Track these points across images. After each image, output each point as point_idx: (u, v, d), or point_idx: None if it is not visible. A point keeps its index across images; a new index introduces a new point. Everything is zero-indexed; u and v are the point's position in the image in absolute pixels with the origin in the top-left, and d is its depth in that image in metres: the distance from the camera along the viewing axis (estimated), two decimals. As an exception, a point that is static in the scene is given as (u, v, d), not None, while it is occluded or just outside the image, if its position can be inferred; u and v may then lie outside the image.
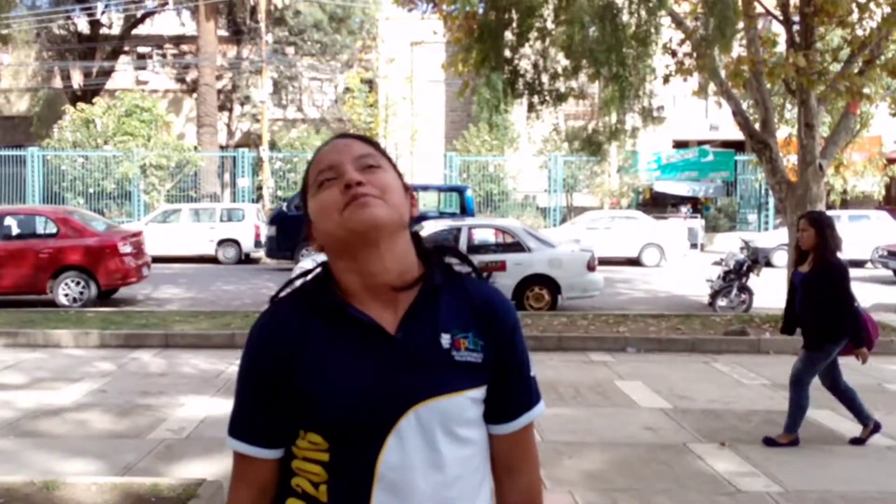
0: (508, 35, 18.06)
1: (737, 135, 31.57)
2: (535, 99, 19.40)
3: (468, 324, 2.47)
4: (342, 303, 2.41)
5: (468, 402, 2.42)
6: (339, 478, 2.36)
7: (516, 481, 2.60)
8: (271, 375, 2.40)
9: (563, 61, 18.95)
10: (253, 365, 2.45)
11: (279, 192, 44.81)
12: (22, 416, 11.39)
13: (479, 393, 2.45)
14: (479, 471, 2.50)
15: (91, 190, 42.77)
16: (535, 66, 19.12)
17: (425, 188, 36.59)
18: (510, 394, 2.54)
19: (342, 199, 2.36)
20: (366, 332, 2.39)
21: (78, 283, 21.42)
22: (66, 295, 21.41)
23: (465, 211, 32.37)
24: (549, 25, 18.26)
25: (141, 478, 8.40)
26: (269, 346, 2.42)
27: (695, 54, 18.56)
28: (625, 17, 16.79)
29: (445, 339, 2.42)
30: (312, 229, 2.49)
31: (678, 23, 18.69)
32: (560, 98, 19.75)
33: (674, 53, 19.93)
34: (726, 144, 48.55)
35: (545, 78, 19.24)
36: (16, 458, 9.59)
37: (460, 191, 34.70)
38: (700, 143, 50.06)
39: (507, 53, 18.32)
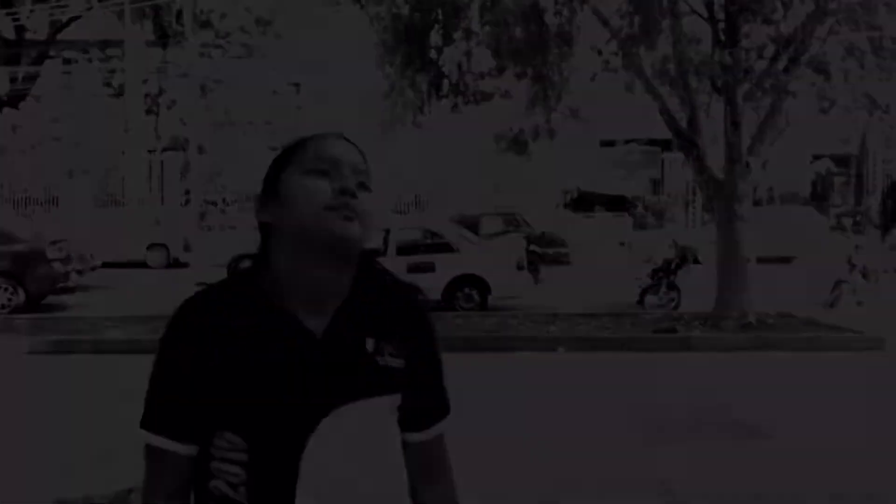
0: (434, 36, 18.13)
1: (663, 133, 31.73)
2: (460, 99, 19.49)
3: (393, 330, 2.48)
4: (268, 301, 2.39)
5: (387, 406, 2.44)
6: (260, 478, 2.33)
7: (434, 491, 2.64)
8: (189, 366, 2.36)
9: (488, 62, 19.07)
10: (170, 354, 2.41)
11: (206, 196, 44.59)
12: (-52, 427, 11.25)
13: (396, 398, 2.47)
14: (397, 469, 2.53)
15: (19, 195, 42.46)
16: (460, 66, 19.19)
17: None
18: (425, 403, 2.60)
19: (331, 198, 2.30)
20: (291, 331, 2.37)
21: (6, 290, 21.24)
22: (-6, 302, 21.21)
23: None
24: (475, 27, 18.35)
25: (72, 489, 8.35)
26: (188, 337, 2.39)
27: (621, 53, 18.68)
28: (549, 17, 16.87)
29: (370, 344, 2.42)
30: (281, 210, 2.37)
31: (604, 22, 18.77)
32: (485, 98, 19.85)
33: (600, 52, 20.04)
34: (653, 143, 48.76)
35: (470, 79, 19.34)
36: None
37: None
38: (627, 141, 50.28)
39: (433, 55, 18.38)
